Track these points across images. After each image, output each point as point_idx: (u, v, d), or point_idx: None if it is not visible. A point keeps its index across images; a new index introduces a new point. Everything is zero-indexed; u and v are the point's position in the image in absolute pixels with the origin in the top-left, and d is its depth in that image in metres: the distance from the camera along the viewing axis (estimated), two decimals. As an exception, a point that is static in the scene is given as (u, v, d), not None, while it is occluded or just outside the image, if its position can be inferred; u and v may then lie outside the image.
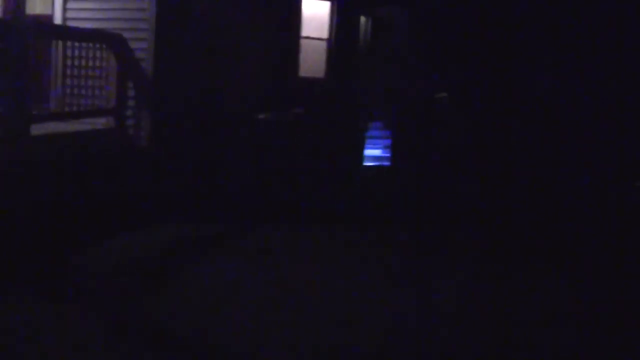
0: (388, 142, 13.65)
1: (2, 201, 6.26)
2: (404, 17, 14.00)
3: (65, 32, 7.44)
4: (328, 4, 11.31)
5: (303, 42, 10.89)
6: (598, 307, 5.65)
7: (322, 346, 4.58)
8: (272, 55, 10.28)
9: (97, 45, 7.37)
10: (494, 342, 4.80)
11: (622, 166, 11.11)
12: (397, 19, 14.01)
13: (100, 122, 7.65)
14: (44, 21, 8.09)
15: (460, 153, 12.62)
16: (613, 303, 5.78)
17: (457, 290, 5.86)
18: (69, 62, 7.20)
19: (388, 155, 13.38)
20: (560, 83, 12.25)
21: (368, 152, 13.37)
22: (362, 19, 12.72)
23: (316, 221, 8.15)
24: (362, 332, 4.84)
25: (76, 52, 7.17)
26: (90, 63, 7.33)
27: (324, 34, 11.37)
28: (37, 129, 6.65)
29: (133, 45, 7.70)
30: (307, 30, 10.94)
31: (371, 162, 13.13)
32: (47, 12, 8.21)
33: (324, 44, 11.38)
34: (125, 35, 7.63)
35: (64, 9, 8.05)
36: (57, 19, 8.05)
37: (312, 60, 11.13)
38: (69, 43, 7.13)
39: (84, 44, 7.20)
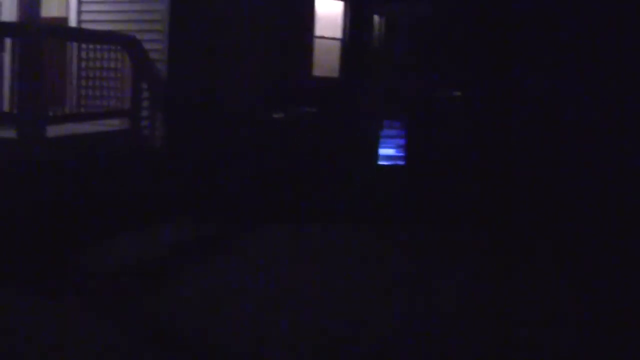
0: (402, 141, 13.64)
1: (20, 201, 6.33)
2: (417, 16, 13.97)
3: (80, 34, 7.51)
4: (342, 3, 11.32)
5: (317, 41, 10.91)
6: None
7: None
8: (286, 55, 10.30)
9: (112, 47, 7.43)
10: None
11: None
12: (410, 18, 13.98)
13: (115, 123, 7.70)
14: (59, 24, 8.16)
15: (463, 152, 12.62)
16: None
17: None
18: (83, 64, 7.27)
19: (402, 154, 13.37)
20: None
21: (382, 151, 13.37)
22: (376, 18, 12.72)
23: (330, 221, 8.16)
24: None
25: (91, 54, 7.23)
26: (105, 65, 7.39)
27: (338, 33, 11.39)
28: (52, 131, 6.71)
29: (147, 46, 7.75)
30: (320, 29, 10.96)
31: (385, 161, 13.12)
32: (62, 14, 8.28)
33: (337, 44, 11.40)
34: (140, 36, 7.68)
35: (79, 11, 8.11)
36: (72, 21, 8.12)
37: (325, 60, 11.14)
38: (83, 45, 7.20)
39: (98, 46, 7.26)
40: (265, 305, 5.25)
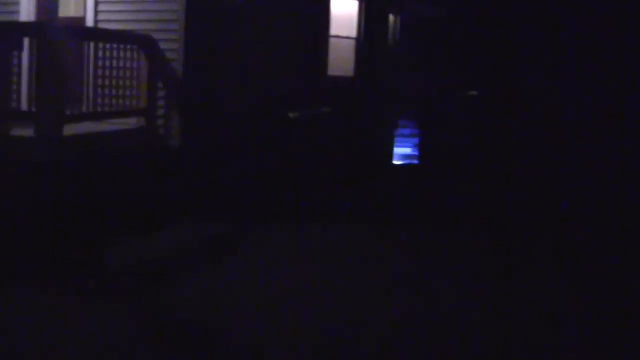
0: (416, 140, 13.65)
1: (37, 200, 6.41)
2: (433, 16, 13.96)
3: (97, 34, 7.58)
4: (357, 3, 11.32)
5: (332, 41, 10.90)
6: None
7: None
8: (302, 54, 10.32)
9: (128, 47, 7.48)
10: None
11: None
12: (425, 18, 13.96)
13: (131, 123, 7.76)
14: (77, 23, 8.23)
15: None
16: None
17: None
18: (100, 64, 7.33)
19: (416, 154, 13.37)
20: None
21: (398, 150, 13.37)
22: (391, 17, 12.72)
23: (345, 220, 8.20)
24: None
25: (107, 54, 7.29)
26: (121, 64, 7.45)
27: (353, 33, 11.38)
28: (69, 129, 6.78)
29: (163, 46, 7.81)
30: (336, 29, 10.96)
31: (401, 160, 13.12)
32: (80, 14, 8.35)
33: (352, 43, 11.39)
34: (156, 36, 7.73)
35: (96, 11, 8.18)
36: (89, 21, 8.19)
37: (341, 59, 11.14)
38: (100, 45, 7.26)
39: (115, 46, 7.32)
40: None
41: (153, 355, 4.38)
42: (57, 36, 6.47)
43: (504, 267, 6.65)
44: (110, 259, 6.25)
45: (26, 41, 6.74)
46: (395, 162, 12.93)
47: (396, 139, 13.30)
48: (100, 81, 7.39)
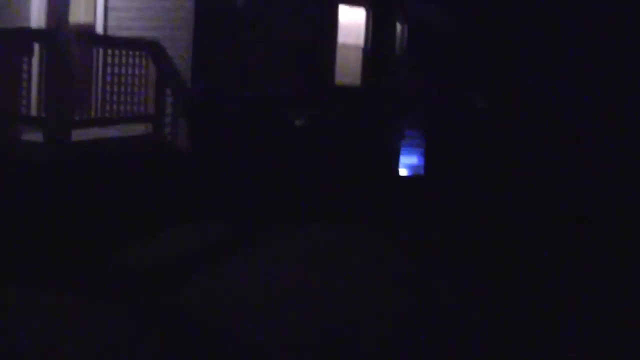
0: (422, 150, 13.65)
1: (45, 202, 6.46)
2: (440, 24, 13.99)
3: (106, 40, 7.66)
4: (364, 11, 11.35)
5: (339, 49, 10.93)
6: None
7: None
8: (309, 62, 10.36)
9: (136, 53, 7.55)
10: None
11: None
12: (433, 26, 14.00)
13: (139, 128, 7.82)
14: (86, 30, 8.30)
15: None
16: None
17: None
18: (109, 70, 7.39)
19: (422, 163, 13.38)
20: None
21: (404, 159, 13.38)
22: (398, 25, 12.75)
23: (344, 220, 8.26)
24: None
25: (116, 60, 7.36)
26: (129, 70, 7.51)
27: (360, 41, 11.41)
28: (77, 135, 6.84)
29: (171, 52, 7.88)
30: (343, 37, 10.99)
31: (407, 169, 13.13)
32: (89, 20, 8.43)
33: (359, 51, 11.42)
34: (164, 43, 7.80)
35: (106, 18, 8.26)
36: (99, 27, 8.27)
37: (347, 67, 11.16)
38: (109, 51, 7.33)
39: (123, 52, 7.39)
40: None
41: (153, 355, 4.40)
42: (66, 42, 6.54)
43: (504, 267, 6.67)
44: (110, 259, 6.28)
45: (36, 47, 6.81)
46: (401, 171, 12.95)
47: (403, 148, 13.32)
48: (108, 87, 7.45)
